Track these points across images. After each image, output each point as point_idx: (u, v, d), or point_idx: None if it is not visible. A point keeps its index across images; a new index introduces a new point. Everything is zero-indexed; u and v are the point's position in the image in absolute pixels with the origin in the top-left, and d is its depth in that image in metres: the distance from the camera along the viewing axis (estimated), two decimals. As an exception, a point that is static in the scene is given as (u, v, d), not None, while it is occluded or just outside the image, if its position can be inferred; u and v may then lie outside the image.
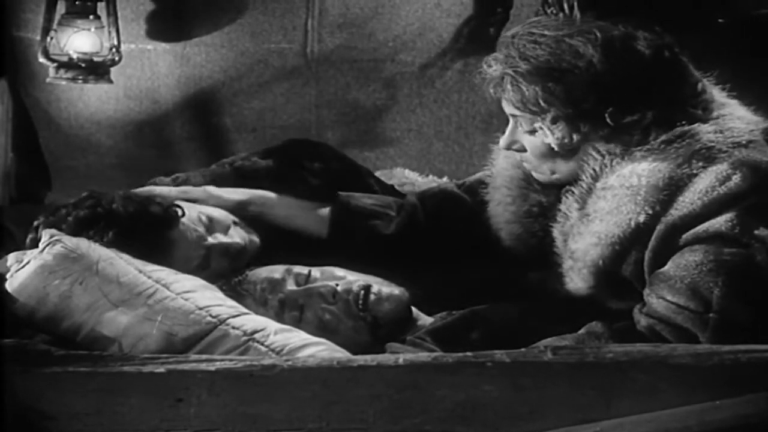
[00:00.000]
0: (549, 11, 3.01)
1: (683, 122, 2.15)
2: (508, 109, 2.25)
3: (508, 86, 2.20)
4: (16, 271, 2.21)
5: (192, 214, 2.42)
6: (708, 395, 1.81)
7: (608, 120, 2.15)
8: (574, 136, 2.20)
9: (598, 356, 1.84)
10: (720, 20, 3.07)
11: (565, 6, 2.94)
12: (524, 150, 2.28)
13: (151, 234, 2.33)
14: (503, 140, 2.30)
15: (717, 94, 2.27)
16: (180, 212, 2.37)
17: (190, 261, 2.38)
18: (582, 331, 2.13)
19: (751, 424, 1.78)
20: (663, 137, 2.14)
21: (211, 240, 2.41)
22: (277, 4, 3.20)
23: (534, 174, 2.33)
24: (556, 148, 2.22)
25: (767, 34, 3.03)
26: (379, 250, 2.52)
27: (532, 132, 2.24)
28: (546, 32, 2.18)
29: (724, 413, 1.79)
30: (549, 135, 2.21)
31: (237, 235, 2.47)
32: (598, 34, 2.17)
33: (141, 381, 1.81)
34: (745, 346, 1.85)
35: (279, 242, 2.55)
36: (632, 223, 2.11)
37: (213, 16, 3.19)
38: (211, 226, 2.44)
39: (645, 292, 2.12)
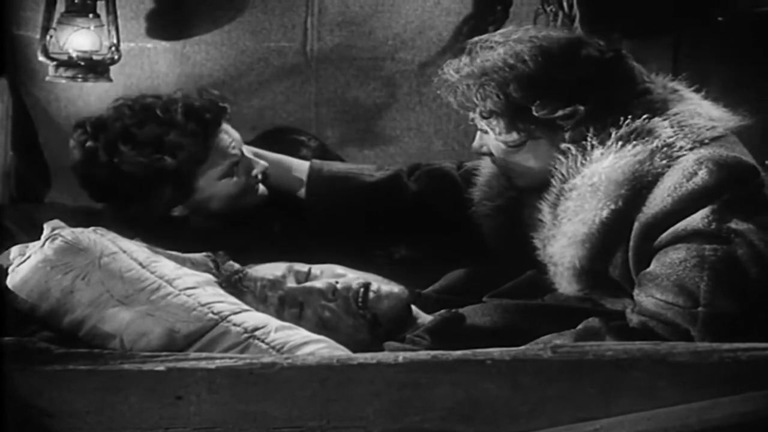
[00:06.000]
0: (548, 9, 3.03)
1: (626, 119, 2.19)
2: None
3: (455, 88, 2.27)
4: (18, 265, 2.21)
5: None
6: (707, 393, 1.81)
7: (534, 112, 2.21)
8: (515, 134, 2.26)
9: (597, 354, 1.84)
10: (719, 18, 3.07)
11: (564, 4, 2.94)
12: (491, 153, 2.35)
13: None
14: (474, 144, 2.38)
15: (682, 91, 2.31)
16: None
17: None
18: (580, 327, 2.16)
19: (750, 422, 1.78)
20: (615, 134, 2.18)
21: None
22: (277, 3, 3.20)
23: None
24: (502, 145, 2.29)
25: (766, 31, 3.03)
26: (356, 212, 2.63)
27: (485, 132, 2.31)
28: (499, 38, 2.26)
29: (724, 411, 1.79)
30: (490, 132, 2.28)
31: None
32: (541, 37, 2.24)
33: (141, 379, 1.82)
34: (745, 344, 1.85)
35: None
36: (596, 219, 2.16)
37: (213, 14, 3.19)
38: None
39: (635, 292, 2.16)
